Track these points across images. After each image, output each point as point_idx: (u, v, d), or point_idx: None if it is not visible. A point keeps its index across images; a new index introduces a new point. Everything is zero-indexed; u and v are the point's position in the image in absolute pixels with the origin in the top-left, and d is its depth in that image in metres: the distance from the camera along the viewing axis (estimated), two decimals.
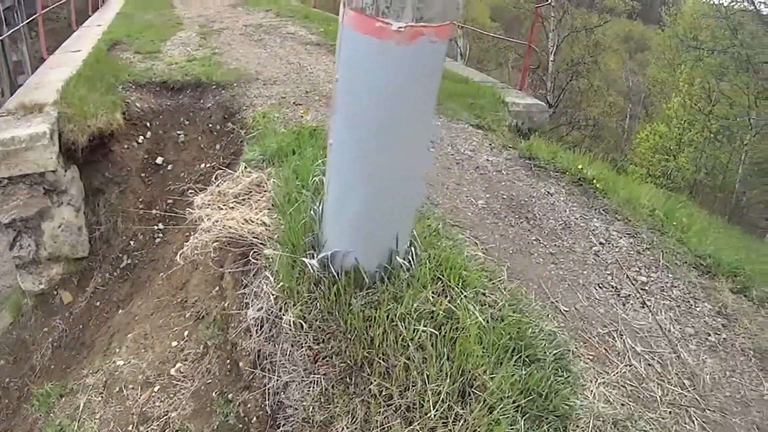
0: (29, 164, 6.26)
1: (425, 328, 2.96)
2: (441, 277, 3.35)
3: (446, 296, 3.23)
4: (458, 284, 3.34)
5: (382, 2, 2.32)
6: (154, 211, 7.09)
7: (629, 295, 4.13)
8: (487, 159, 6.04)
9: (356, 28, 2.46)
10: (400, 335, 2.93)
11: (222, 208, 4.67)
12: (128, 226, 7.25)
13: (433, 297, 3.17)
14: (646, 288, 4.25)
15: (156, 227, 6.86)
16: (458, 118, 7.09)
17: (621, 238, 4.87)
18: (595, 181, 5.69)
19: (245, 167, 5.30)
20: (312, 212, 3.50)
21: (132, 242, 7.15)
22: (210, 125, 7.81)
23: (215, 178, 5.22)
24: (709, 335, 3.85)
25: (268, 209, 4.46)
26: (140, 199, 7.45)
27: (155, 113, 8.21)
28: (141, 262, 6.87)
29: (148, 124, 8.11)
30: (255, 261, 4.03)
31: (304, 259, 3.25)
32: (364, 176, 2.84)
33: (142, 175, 7.69)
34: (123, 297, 6.48)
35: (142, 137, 7.99)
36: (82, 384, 4.59)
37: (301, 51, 10.57)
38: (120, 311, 6.12)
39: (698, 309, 4.12)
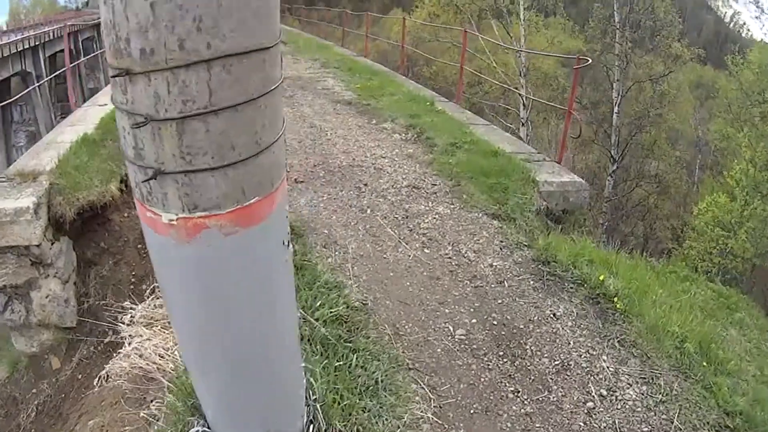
0: (14, 237, 5.97)
1: None
2: None
3: None
4: None
5: (143, 186, 1.53)
6: (143, 287, 6.46)
7: None
8: (491, 264, 5.15)
9: (138, 211, 1.69)
10: None
11: (148, 330, 4.05)
12: (118, 300, 6.67)
13: None
14: None
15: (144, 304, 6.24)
16: (473, 205, 6.21)
17: (631, 385, 3.90)
18: (616, 299, 4.69)
19: None
20: None
21: (119, 317, 6.59)
22: None
23: (152, 291, 4.59)
24: None
25: None
26: (133, 273, 6.90)
27: None
28: (124, 341, 6.32)
29: None
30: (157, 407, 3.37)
31: None
32: (203, 373, 2.09)
33: (139, 246, 7.14)
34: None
35: None
36: None
37: (329, 111, 9.92)
38: (95, 389, 5.61)
39: None
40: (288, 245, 1.83)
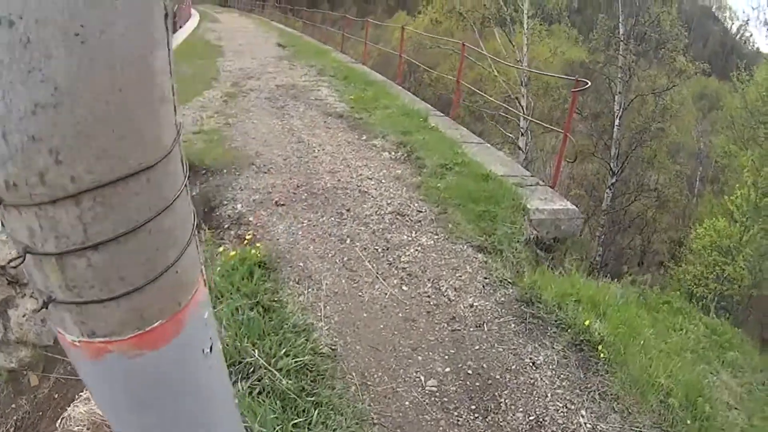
0: None
1: None
2: None
3: None
4: None
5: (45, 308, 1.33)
6: None
7: None
8: (472, 304, 4.95)
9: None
10: None
11: None
12: None
13: None
14: None
15: None
16: (458, 236, 6.00)
17: None
18: (600, 346, 4.50)
19: None
20: None
21: None
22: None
23: None
24: None
25: None
26: None
27: None
28: None
29: None
30: None
31: None
32: None
33: None
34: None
35: None
36: None
37: (319, 124, 9.72)
38: (66, 413, 5.49)
39: None
40: (211, 351, 1.65)
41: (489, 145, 9.85)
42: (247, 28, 31.72)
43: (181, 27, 26.43)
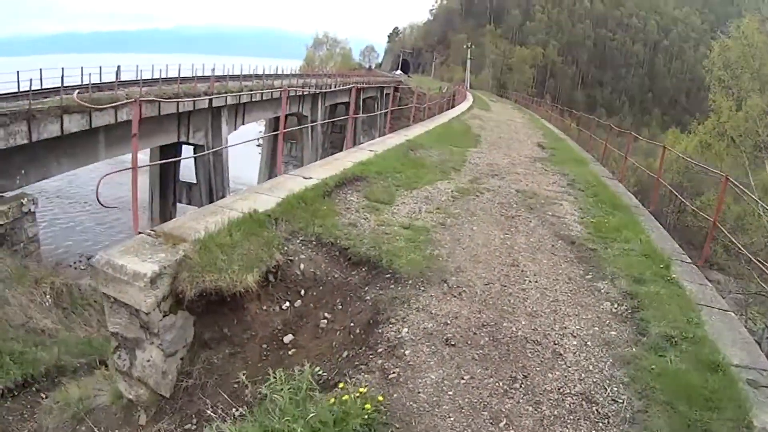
0: (128, 296, 5.86)
1: None
2: None
3: None
4: None
5: None
6: (248, 392, 5.30)
7: None
8: None
9: None
10: None
11: None
12: (216, 392, 5.74)
13: None
14: None
15: (237, 410, 5.01)
16: None
17: None
18: None
19: None
20: None
21: (210, 411, 5.56)
22: (354, 323, 5.92)
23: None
24: None
25: None
26: (245, 372, 5.76)
27: (316, 282, 6.66)
28: None
29: (302, 292, 6.56)
30: None
31: None
32: None
33: (264, 346, 6.16)
34: None
35: (288, 303, 6.50)
36: None
37: (545, 247, 8.16)
38: None
39: None
40: None
41: (734, 314, 7.51)
42: (514, 122, 30.97)
43: (452, 108, 26.56)
